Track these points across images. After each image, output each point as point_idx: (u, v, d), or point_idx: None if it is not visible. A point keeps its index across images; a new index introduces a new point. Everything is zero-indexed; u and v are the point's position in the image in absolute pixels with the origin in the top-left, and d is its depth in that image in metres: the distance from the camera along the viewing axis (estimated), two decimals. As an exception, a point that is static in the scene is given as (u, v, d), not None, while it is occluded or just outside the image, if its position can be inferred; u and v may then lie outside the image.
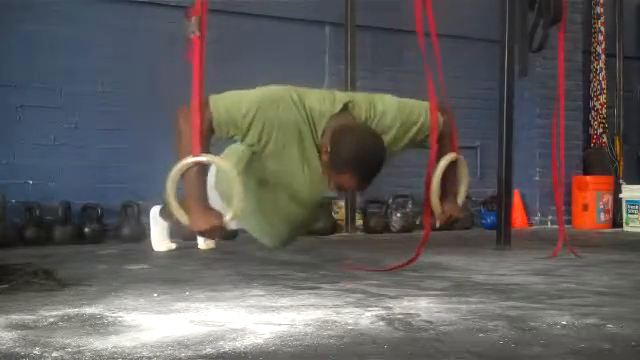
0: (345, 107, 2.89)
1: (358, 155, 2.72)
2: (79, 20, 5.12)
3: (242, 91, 2.89)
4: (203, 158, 2.73)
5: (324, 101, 2.90)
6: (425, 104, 3.11)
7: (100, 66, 5.17)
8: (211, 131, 2.80)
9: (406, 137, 3.03)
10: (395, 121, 2.99)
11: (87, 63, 5.12)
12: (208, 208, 2.79)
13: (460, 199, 3.20)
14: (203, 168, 2.79)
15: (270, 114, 2.80)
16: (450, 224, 3.17)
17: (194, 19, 2.81)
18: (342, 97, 2.95)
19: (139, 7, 5.29)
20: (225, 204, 2.95)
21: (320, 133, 2.85)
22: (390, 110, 3.00)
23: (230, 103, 2.81)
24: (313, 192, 3.03)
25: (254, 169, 2.97)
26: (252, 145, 2.87)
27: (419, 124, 3.04)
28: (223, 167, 2.81)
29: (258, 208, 3.12)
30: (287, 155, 2.87)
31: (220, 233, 2.83)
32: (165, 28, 5.26)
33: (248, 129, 2.80)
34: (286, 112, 2.82)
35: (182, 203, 2.83)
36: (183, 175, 2.76)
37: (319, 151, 2.87)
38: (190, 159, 2.72)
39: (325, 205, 3.17)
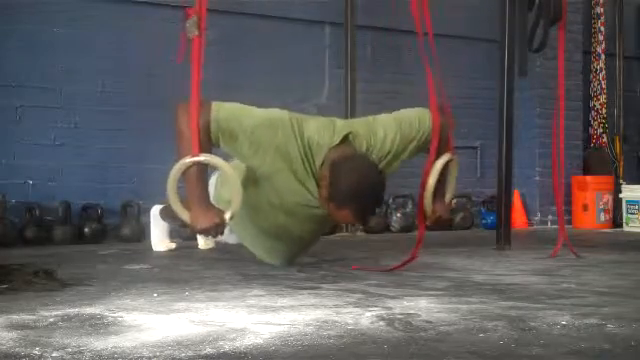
0: (345, 138, 2.88)
1: (357, 194, 2.71)
2: (79, 20, 5.12)
3: (246, 106, 2.88)
4: (202, 158, 2.74)
5: (324, 132, 2.87)
6: (422, 111, 3.11)
7: (100, 66, 5.17)
8: (207, 134, 2.80)
9: (407, 151, 3.05)
10: (395, 142, 3.00)
11: (87, 63, 5.12)
12: (209, 206, 2.80)
13: (447, 198, 3.22)
14: (203, 167, 2.79)
15: (268, 137, 2.79)
16: (439, 224, 3.19)
17: (193, 19, 2.82)
18: (342, 128, 2.92)
19: (139, 7, 5.29)
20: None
21: (319, 164, 2.83)
22: (390, 133, 3.00)
23: (232, 114, 2.80)
24: (309, 218, 3.03)
25: (252, 189, 2.96)
26: (244, 159, 2.86)
27: (419, 136, 3.05)
28: (222, 167, 2.81)
29: (257, 229, 3.13)
30: (280, 180, 2.87)
31: (220, 231, 2.85)
32: (165, 28, 5.26)
33: (243, 144, 2.79)
34: (284, 139, 2.81)
35: (184, 202, 2.84)
36: (183, 174, 2.77)
37: (317, 181, 2.85)
38: (189, 159, 2.73)
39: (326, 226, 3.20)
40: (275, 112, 2.90)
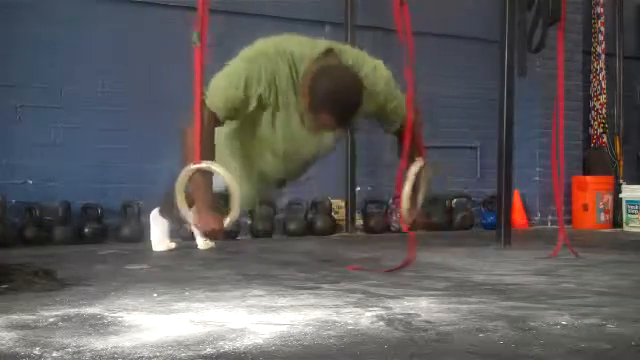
0: (329, 51, 2.92)
1: (334, 95, 2.76)
2: (79, 20, 5.12)
3: (225, 72, 2.92)
4: (203, 165, 2.78)
5: (307, 45, 2.93)
6: (403, 97, 3.15)
7: (100, 66, 5.17)
8: (218, 124, 2.85)
9: (384, 104, 3.06)
10: (380, 82, 3.01)
11: (87, 63, 5.13)
12: (210, 212, 2.83)
13: (419, 203, 3.25)
14: (206, 174, 2.83)
15: (257, 74, 2.85)
16: (417, 228, 3.22)
17: (196, 32, 2.89)
18: (327, 43, 2.98)
19: (139, 7, 5.29)
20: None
21: (301, 75, 2.88)
22: (380, 71, 3.04)
23: (222, 91, 2.85)
24: (302, 142, 3.06)
25: (247, 127, 3.01)
26: (258, 109, 2.90)
27: (397, 102, 3.07)
28: (223, 174, 2.84)
29: (247, 158, 3.15)
30: (277, 106, 2.93)
31: (219, 235, 2.90)
32: (165, 28, 5.27)
33: (247, 103, 2.85)
34: (270, 65, 2.87)
35: (190, 205, 2.89)
36: (190, 180, 2.82)
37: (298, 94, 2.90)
38: (193, 166, 2.78)
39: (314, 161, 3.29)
40: (251, 50, 2.95)
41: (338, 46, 3.01)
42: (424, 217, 3.25)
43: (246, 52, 2.94)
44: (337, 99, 2.76)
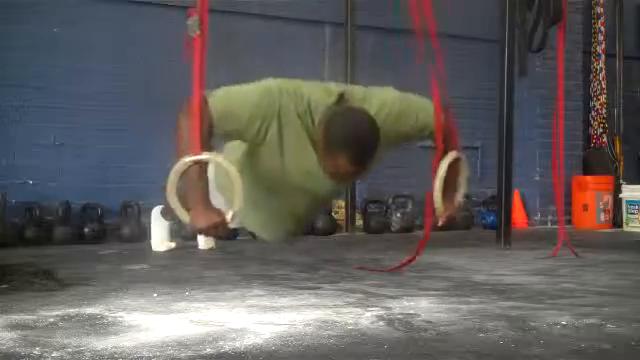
0: (341, 97, 2.91)
1: (350, 135, 2.70)
2: (79, 20, 5.12)
3: (238, 87, 2.90)
4: (203, 156, 2.73)
5: (320, 93, 2.92)
6: (425, 101, 3.12)
7: (100, 66, 5.17)
8: (211, 129, 2.81)
9: (402, 130, 3.03)
10: (393, 111, 2.99)
11: (87, 63, 5.12)
12: (209, 206, 2.79)
13: (456, 199, 3.21)
14: (204, 166, 2.79)
15: (268, 107, 2.81)
16: (448, 224, 3.18)
17: (194, 18, 2.84)
18: (337, 88, 2.96)
19: (139, 7, 5.29)
20: (225, 198, 2.96)
21: (317, 123, 2.86)
22: (388, 102, 3.01)
23: (228, 100, 2.82)
24: (313, 184, 3.03)
25: (254, 163, 2.97)
26: (253, 139, 2.87)
27: (417, 119, 3.05)
28: (223, 165, 2.81)
29: (259, 202, 3.12)
30: (287, 147, 2.88)
31: (222, 231, 2.84)
32: (164, 28, 5.26)
33: (247, 125, 2.80)
34: (285, 103, 2.83)
35: (183, 202, 2.84)
36: (184, 174, 2.76)
37: (314, 142, 2.87)
38: (189, 158, 2.73)
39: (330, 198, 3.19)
40: (270, 82, 2.93)
41: (347, 88, 3.00)
42: (456, 211, 3.21)
43: (268, 84, 2.91)
44: (354, 143, 2.70)
